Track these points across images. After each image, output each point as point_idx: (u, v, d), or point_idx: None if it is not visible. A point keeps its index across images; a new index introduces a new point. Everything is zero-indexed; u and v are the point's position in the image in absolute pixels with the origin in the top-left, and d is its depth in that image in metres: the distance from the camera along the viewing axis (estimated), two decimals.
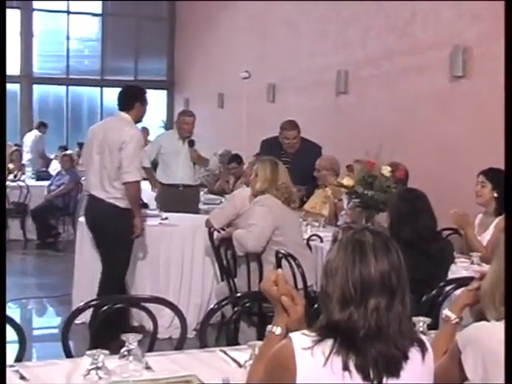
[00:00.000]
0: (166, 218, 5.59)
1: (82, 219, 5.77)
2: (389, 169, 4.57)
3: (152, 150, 6.97)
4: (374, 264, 1.70)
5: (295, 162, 6.06)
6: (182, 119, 6.69)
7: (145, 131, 11.17)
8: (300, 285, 4.04)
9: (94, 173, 4.82)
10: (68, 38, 14.42)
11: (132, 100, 4.90)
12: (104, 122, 5.11)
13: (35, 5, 13.99)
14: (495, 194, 4.40)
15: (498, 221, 4.29)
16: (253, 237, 4.21)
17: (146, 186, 9.53)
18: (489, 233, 4.35)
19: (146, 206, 6.44)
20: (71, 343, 2.54)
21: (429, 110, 6.45)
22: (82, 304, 2.64)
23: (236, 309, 2.87)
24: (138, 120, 4.97)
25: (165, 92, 14.99)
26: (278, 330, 1.88)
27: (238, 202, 4.82)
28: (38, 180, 10.02)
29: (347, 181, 4.70)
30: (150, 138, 11.37)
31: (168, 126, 14.39)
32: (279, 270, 2.00)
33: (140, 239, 5.16)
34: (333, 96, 8.03)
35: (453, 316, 2.22)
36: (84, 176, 5.39)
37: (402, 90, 6.85)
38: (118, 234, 4.77)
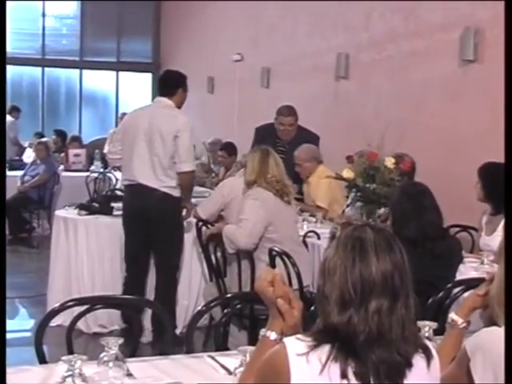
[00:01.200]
0: None
1: (58, 213, 5.77)
2: (392, 160, 4.57)
3: (113, 136, 6.96)
4: (375, 263, 1.69)
5: (291, 152, 6.06)
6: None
7: None
8: (295, 285, 4.04)
9: (142, 161, 4.92)
10: (44, 15, 14.34)
11: (176, 85, 5.09)
12: (146, 109, 5.22)
13: None
14: (484, 192, 4.40)
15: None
16: (244, 233, 4.21)
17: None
18: (498, 234, 4.33)
19: None
20: (45, 348, 2.53)
21: (436, 98, 6.45)
22: (57, 305, 2.63)
23: (226, 311, 2.86)
24: (179, 107, 5.11)
25: (150, 75, 14.94)
26: (272, 335, 1.87)
27: (226, 190, 4.85)
28: (10, 170, 9.97)
29: (347, 173, 4.70)
30: None
31: None
32: (276, 269, 1.99)
33: (119, 234, 5.18)
34: (332, 81, 8.02)
35: (460, 320, 2.22)
36: (114, 164, 5.53)
37: (407, 75, 6.85)
38: (172, 224, 4.92)
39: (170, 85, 5.10)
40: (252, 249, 4.25)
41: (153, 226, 4.90)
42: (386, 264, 1.70)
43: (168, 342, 2.71)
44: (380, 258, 1.70)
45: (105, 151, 10.96)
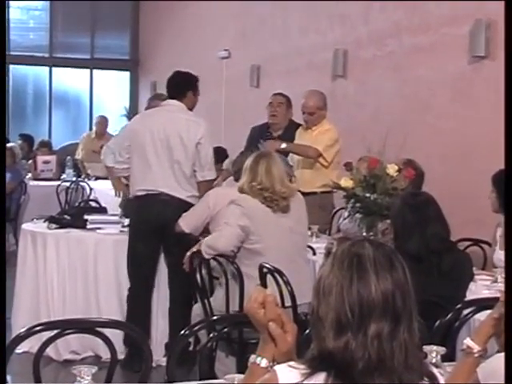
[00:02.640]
0: (129, 225, 5.57)
1: (25, 226, 5.75)
2: (395, 167, 4.58)
3: (118, 144, 6.93)
4: (374, 282, 1.69)
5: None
6: (155, 104, 6.64)
7: (104, 121, 11.13)
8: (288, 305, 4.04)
9: (163, 169, 5.08)
10: (8, 6, 14.32)
11: (185, 87, 5.29)
12: (159, 113, 5.35)
13: None
14: (500, 202, 4.42)
15: None
16: (222, 234, 4.31)
17: (100, 185, 9.52)
18: None
19: (104, 210, 6.42)
20: (9, 378, 2.52)
21: (444, 98, 6.47)
22: (23, 330, 2.62)
23: (212, 335, 2.86)
24: (189, 110, 5.28)
25: (127, 74, 14.95)
26: (263, 362, 1.86)
27: (212, 201, 4.86)
28: None
29: (345, 182, 4.71)
30: (109, 129, 11.35)
31: (131, 114, 14.33)
32: (268, 289, 1.99)
33: (93, 250, 5.18)
34: (328, 81, 8.04)
35: (476, 348, 2.19)
36: (121, 174, 5.57)
37: (411, 74, 6.88)
38: (191, 236, 4.99)
39: (178, 87, 5.29)
40: (232, 252, 4.28)
41: (174, 237, 4.97)
42: (386, 283, 1.69)
43: (147, 370, 2.69)
44: (380, 276, 1.70)
45: (77, 157, 10.93)
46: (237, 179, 4.74)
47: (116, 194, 7.09)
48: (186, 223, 4.92)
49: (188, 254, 4.66)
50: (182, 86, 5.28)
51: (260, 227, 4.30)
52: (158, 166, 5.09)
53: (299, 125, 6.41)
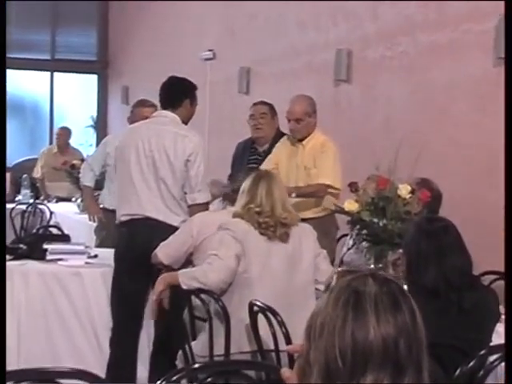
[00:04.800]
0: (96, 256, 5.57)
1: None
2: (408, 188, 4.59)
3: (97, 160, 6.94)
4: (373, 325, 1.65)
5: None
6: (139, 112, 6.62)
7: (65, 133, 11.14)
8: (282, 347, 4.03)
9: (150, 191, 5.11)
10: None
11: (181, 95, 5.29)
12: (146, 126, 5.36)
13: None
14: None
15: None
16: (213, 269, 4.27)
17: (63, 208, 9.50)
18: None
19: (67, 238, 6.40)
20: None
21: (464, 106, 6.50)
22: None
23: None
24: (185, 123, 5.29)
25: (95, 77, 14.96)
26: None
27: (195, 228, 4.82)
28: None
29: (349, 204, 4.72)
30: (74, 142, 11.37)
31: (99, 125, 14.35)
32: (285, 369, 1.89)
33: (54, 285, 5.18)
34: (330, 86, 8.07)
35: None
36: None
37: (426, 77, 6.90)
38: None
39: (173, 95, 5.29)
40: (220, 290, 4.28)
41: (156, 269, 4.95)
42: (387, 327, 1.66)
43: None
44: (381, 318, 1.66)
45: (35, 175, 10.91)
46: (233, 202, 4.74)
47: (90, 219, 7.10)
48: (165, 253, 4.86)
49: (159, 289, 4.58)
50: (178, 94, 5.30)
51: (249, 254, 4.30)
52: (144, 187, 5.10)
53: (284, 134, 6.39)
